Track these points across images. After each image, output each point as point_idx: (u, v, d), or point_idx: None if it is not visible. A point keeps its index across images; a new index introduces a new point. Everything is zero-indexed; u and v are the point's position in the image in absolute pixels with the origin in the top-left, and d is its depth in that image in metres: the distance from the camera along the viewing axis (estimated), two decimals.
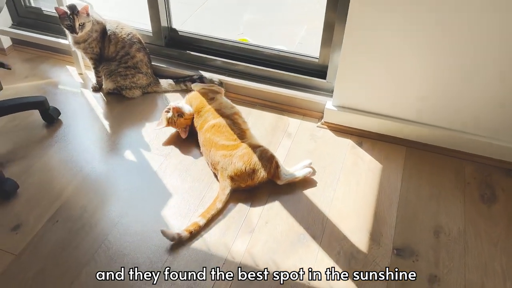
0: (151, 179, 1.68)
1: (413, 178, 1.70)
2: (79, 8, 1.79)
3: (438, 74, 1.65)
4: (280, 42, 2.60)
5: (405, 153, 1.80)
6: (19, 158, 1.75)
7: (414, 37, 1.58)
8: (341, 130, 1.90)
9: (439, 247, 1.48)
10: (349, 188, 1.66)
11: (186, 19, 2.82)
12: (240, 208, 1.58)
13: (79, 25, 1.80)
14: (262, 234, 1.50)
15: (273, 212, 1.57)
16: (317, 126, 1.93)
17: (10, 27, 2.30)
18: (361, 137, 1.87)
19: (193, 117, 1.81)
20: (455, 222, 1.55)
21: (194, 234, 1.47)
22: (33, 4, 2.33)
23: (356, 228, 1.52)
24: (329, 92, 1.96)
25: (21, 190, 1.62)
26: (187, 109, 1.79)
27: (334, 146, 1.84)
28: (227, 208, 1.58)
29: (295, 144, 1.84)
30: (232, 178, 1.59)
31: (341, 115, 1.87)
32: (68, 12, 1.78)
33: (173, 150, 1.81)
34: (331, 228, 1.52)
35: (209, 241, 1.47)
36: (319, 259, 1.43)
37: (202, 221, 1.49)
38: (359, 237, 1.49)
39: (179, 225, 1.52)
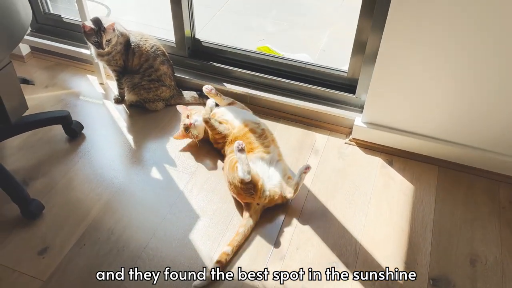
0: (177, 199, 1.64)
1: (446, 202, 1.65)
2: (105, 24, 1.74)
3: (471, 94, 1.59)
4: (303, 49, 2.54)
5: (437, 173, 1.75)
6: (43, 175, 1.72)
7: (450, 55, 1.52)
8: (370, 147, 1.85)
9: (476, 277, 1.43)
10: (381, 212, 1.61)
11: (205, 24, 2.75)
12: (269, 233, 1.54)
13: (106, 41, 1.76)
14: (293, 261, 1.46)
15: (304, 237, 1.53)
16: (345, 143, 1.88)
17: (28, 34, 2.26)
18: (391, 155, 1.82)
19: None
20: (491, 249, 1.51)
21: (226, 264, 1.44)
22: (52, 11, 2.28)
23: (390, 256, 1.48)
24: (357, 107, 1.90)
25: (46, 210, 1.59)
26: (196, 133, 1.77)
27: (363, 165, 1.79)
28: (255, 233, 1.54)
29: (322, 162, 1.80)
30: (247, 203, 1.56)
31: (370, 132, 1.82)
32: (95, 28, 1.73)
33: (199, 167, 1.77)
34: (364, 255, 1.48)
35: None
36: None
37: (229, 249, 1.45)
38: (394, 266, 1.45)
39: (208, 250, 1.49)
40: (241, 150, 1.53)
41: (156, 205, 1.63)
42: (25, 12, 1.38)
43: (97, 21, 1.75)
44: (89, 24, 1.75)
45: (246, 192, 1.52)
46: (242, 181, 1.49)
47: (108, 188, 1.68)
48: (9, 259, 1.44)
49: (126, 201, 1.64)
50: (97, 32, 1.73)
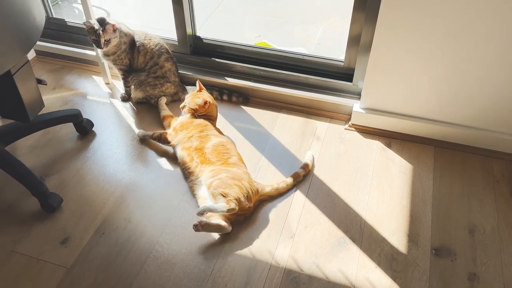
0: (188, 189, 1.72)
1: (444, 178, 1.74)
2: (106, 24, 1.82)
3: (460, 76, 1.69)
4: (299, 43, 2.63)
5: (434, 152, 1.85)
6: (57, 172, 1.79)
7: (441, 37, 1.61)
8: (368, 132, 1.94)
9: (475, 245, 1.53)
10: (383, 191, 1.70)
11: (202, 25, 2.84)
12: (278, 214, 1.63)
13: (105, 40, 1.84)
14: (303, 239, 1.55)
15: (311, 217, 1.62)
16: (344, 129, 1.97)
17: None
18: (389, 138, 1.92)
19: None
20: (488, 220, 1.60)
21: None
22: (55, 16, 2.35)
23: (394, 230, 1.57)
24: (355, 94, 1.99)
25: (64, 203, 1.66)
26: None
27: (363, 149, 1.88)
28: (266, 215, 1.62)
29: (324, 148, 1.88)
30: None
31: (369, 117, 1.91)
32: (95, 27, 1.81)
33: None
34: (369, 231, 1.57)
35: (252, 248, 1.52)
36: (361, 262, 1.48)
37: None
38: (398, 239, 1.54)
39: None
40: (200, 229, 1.51)
41: (169, 195, 1.70)
42: (40, 16, 1.45)
43: (100, 21, 1.83)
44: (93, 22, 1.83)
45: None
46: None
47: (121, 181, 1.75)
48: (33, 250, 1.51)
49: (140, 193, 1.72)
50: (96, 31, 1.81)
